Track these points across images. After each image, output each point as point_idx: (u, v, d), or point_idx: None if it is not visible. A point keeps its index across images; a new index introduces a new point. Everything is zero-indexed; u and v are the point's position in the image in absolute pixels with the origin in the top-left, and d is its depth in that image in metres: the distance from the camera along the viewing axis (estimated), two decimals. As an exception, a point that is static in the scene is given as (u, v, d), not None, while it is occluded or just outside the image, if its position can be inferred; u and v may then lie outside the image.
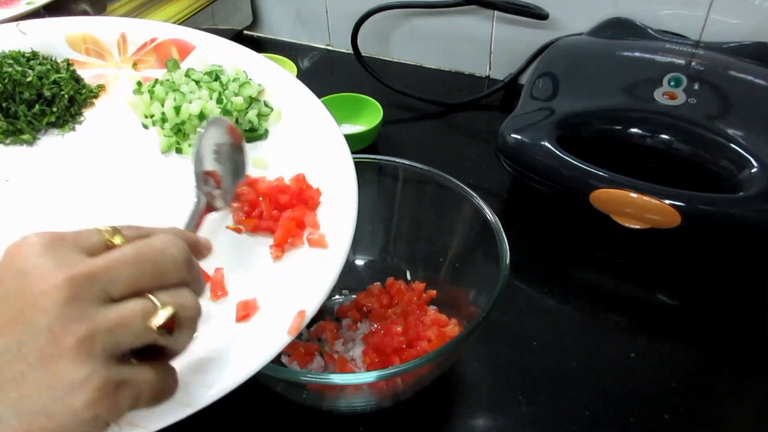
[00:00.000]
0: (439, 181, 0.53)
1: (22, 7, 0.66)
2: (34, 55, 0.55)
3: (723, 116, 0.63)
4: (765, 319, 0.58)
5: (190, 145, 0.50)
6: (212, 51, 0.57)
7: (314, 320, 0.54)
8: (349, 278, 0.58)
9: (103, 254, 0.27)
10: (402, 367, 0.39)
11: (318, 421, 0.49)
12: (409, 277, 0.58)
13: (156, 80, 0.54)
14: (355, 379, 0.40)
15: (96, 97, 0.55)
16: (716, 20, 0.75)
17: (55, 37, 0.57)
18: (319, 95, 0.78)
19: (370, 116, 0.78)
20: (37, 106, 0.51)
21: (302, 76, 0.89)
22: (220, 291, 0.40)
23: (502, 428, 0.49)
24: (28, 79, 0.51)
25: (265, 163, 0.49)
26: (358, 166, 0.54)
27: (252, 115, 0.52)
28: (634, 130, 0.65)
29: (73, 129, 0.52)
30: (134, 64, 0.57)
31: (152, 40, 0.57)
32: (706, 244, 0.62)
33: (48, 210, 0.45)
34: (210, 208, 0.41)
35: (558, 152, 0.61)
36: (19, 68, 0.51)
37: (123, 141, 0.51)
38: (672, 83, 0.65)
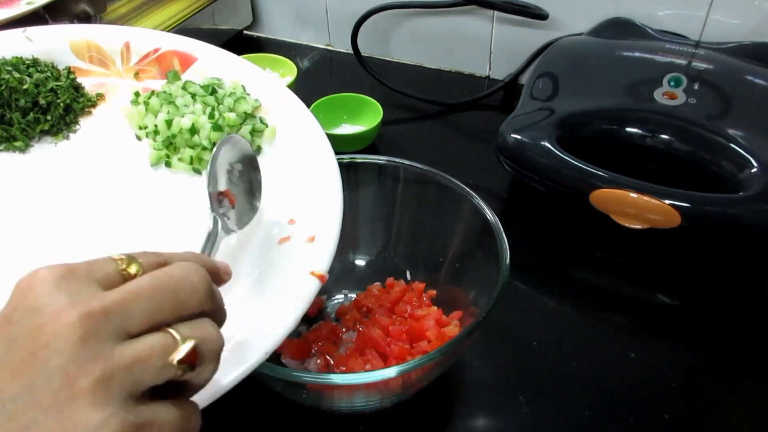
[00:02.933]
0: (439, 181, 0.53)
1: (22, 7, 0.66)
2: (35, 62, 0.54)
3: (723, 116, 0.63)
4: (765, 319, 0.57)
5: (180, 159, 0.50)
6: (214, 63, 0.56)
7: (314, 320, 0.55)
8: (349, 278, 0.58)
9: (119, 287, 0.26)
10: (402, 367, 0.39)
11: (318, 421, 0.49)
12: (409, 277, 0.58)
13: (152, 91, 0.54)
14: (355, 379, 0.40)
15: (94, 106, 0.55)
16: (716, 20, 0.75)
17: (60, 44, 0.56)
18: (319, 95, 0.79)
19: (370, 116, 0.78)
20: (31, 114, 0.51)
21: (302, 76, 0.89)
22: None
23: (502, 428, 0.49)
24: (25, 86, 0.51)
25: None
26: (358, 166, 0.55)
27: (245, 131, 0.51)
28: (634, 130, 0.65)
29: (67, 138, 0.52)
30: (136, 74, 0.57)
31: (155, 50, 0.57)
32: (706, 244, 0.62)
33: (35, 218, 0.45)
34: (224, 230, 0.40)
35: (558, 152, 0.61)
36: (17, 75, 0.51)
37: (114, 152, 0.51)
38: (672, 83, 0.65)
